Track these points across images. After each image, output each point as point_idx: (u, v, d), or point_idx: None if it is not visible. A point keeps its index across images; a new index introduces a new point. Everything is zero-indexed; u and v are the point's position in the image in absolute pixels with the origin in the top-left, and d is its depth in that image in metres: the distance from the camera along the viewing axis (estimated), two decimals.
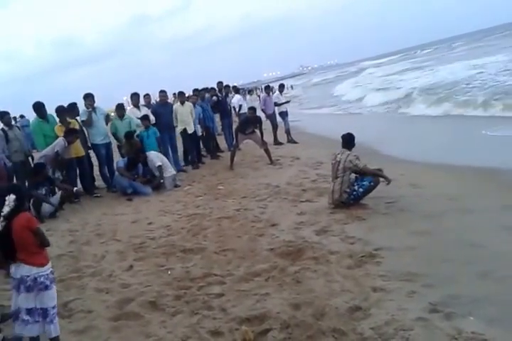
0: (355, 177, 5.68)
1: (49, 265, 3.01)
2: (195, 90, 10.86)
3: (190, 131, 9.73)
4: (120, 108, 8.85)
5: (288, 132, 12.42)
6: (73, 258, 4.84)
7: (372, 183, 5.57)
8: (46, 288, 2.92)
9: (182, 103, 9.77)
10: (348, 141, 5.74)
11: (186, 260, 4.50)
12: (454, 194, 5.67)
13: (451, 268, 3.67)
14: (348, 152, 5.62)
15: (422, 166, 7.53)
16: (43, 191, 6.75)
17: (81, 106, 8.29)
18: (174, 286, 3.89)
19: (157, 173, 8.01)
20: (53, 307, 2.96)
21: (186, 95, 10.53)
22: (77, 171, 7.92)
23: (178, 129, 9.72)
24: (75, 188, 7.37)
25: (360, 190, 5.58)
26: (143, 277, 4.18)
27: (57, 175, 7.38)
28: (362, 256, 4.07)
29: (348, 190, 5.57)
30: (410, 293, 3.30)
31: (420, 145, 9.50)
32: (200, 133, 10.31)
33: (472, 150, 8.24)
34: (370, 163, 5.92)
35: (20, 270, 2.90)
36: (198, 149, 10.41)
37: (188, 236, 5.25)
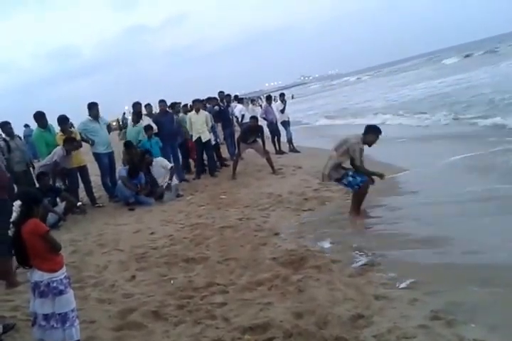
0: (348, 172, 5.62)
1: (62, 270, 3.02)
2: (195, 101, 10.87)
3: (204, 139, 9.70)
4: (137, 114, 9.03)
5: (290, 141, 12.46)
6: (75, 269, 4.82)
7: (357, 188, 5.54)
8: (60, 293, 2.93)
9: (197, 111, 9.74)
10: (366, 129, 5.59)
11: (189, 269, 4.50)
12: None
13: (452, 276, 3.67)
14: (359, 141, 5.50)
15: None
16: (46, 201, 6.76)
17: (84, 115, 8.36)
18: (177, 296, 3.89)
19: (159, 180, 8.04)
20: (72, 311, 2.98)
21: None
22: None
23: (193, 138, 9.73)
24: (79, 203, 7.37)
25: (348, 180, 5.56)
26: (145, 287, 4.18)
27: (59, 184, 7.39)
28: (364, 265, 4.08)
29: (337, 177, 5.60)
30: (412, 301, 3.30)
31: None
32: (213, 142, 10.28)
33: None
34: None
35: (34, 275, 2.94)
36: (213, 157, 10.35)
37: (191, 245, 5.25)
